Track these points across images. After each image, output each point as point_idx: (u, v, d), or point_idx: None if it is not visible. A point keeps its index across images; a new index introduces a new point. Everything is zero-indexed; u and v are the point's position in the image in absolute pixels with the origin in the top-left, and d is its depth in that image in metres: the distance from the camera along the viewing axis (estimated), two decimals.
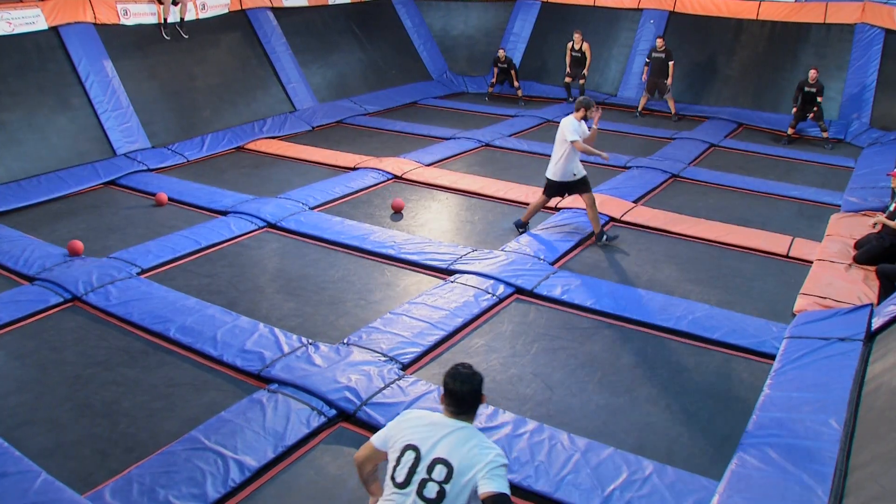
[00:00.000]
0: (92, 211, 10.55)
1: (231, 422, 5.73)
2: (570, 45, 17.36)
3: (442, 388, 3.61)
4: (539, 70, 18.79)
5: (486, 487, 3.37)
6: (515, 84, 18.03)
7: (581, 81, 17.34)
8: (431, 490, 3.43)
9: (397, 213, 10.51)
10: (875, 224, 9.02)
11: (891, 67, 15.56)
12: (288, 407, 5.93)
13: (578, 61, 17.33)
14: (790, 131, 14.91)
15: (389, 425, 3.69)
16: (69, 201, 10.89)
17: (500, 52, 18.04)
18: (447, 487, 3.42)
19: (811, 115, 14.56)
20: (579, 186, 9.45)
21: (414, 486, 3.46)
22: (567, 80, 17.62)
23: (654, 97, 16.74)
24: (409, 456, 3.51)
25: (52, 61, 12.48)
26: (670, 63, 16.15)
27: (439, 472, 3.43)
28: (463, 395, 3.55)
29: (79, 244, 8.86)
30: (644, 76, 16.72)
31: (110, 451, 5.59)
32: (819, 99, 14.46)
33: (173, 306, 7.53)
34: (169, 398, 6.24)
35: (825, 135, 14.64)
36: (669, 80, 16.22)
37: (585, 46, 17.22)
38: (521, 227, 9.89)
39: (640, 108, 16.76)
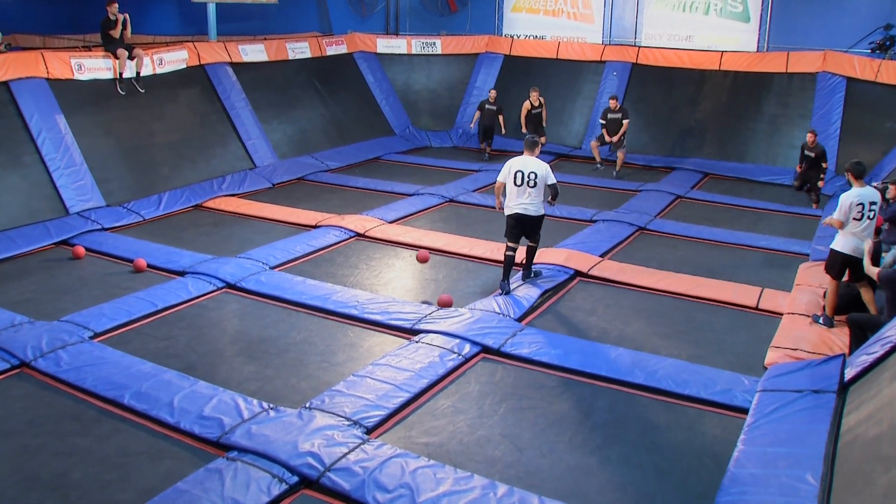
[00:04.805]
0: (43, 272, 10.41)
1: (188, 492, 5.61)
2: (526, 104, 17.07)
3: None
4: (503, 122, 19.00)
5: (551, 181, 9.30)
6: (504, 131, 17.92)
7: (542, 140, 17.42)
8: (531, 181, 9.23)
9: (423, 262, 10.90)
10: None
11: (853, 115, 16.06)
12: (248, 475, 5.83)
13: (536, 118, 17.02)
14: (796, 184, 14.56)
15: (502, 171, 9.49)
16: (20, 262, 10.74)
17: (492, 94, 17.88)
18: (538, 181, 9.24)
19: (819, 181, 14.02)
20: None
21: (524, 184, 9.25)
22: None
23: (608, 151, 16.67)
24: (519, 174, 9.27)
25: (2, 117, 12.41)
26: (625, 122, 16.10)
27: (532, 176, 9.22)
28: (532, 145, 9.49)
29: (142, 262, 10.42)
30: (605, 137, 16.45)
31: None
32: (824, 165, 13.93)
33: (128, 371, 7.41)
34: (123, 468, 6.11)
35: (814, 206, 14.23)
36: (616, 138, 16.10)
37: (543, 101, 17.16)
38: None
39: (598, 160, 16.68)
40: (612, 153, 16.75)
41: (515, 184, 9.35)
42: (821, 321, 8.67)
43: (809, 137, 13.96)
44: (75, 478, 5.99)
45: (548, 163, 9.74)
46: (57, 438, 6.52)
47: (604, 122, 16.48)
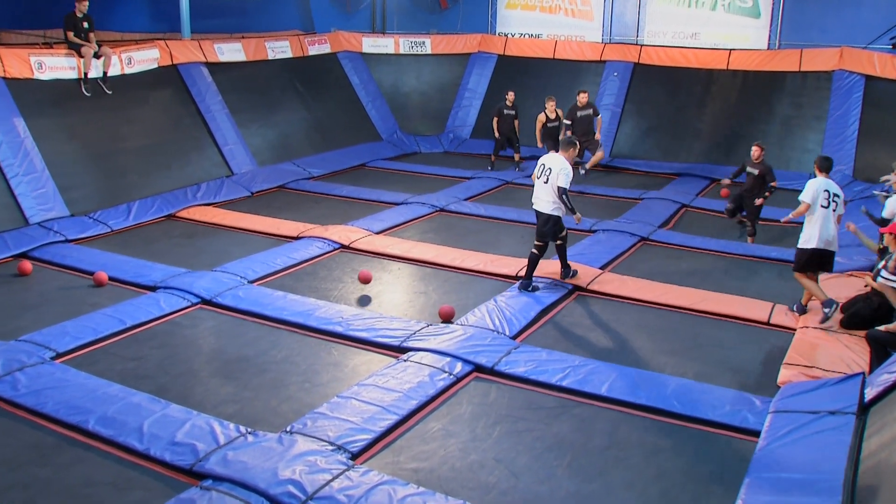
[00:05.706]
0: (0, 287, 10.36)
1: None
2: (541, 116, 16.46)
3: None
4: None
5: (559, 182, 9.75)
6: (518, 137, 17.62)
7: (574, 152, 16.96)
8: (545, 178, 9.90)
9: (365, 283, 10.51)
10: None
11: (872, 115, 16.03)
12: None
13: (553, 133, 15.99)
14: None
15: (536, 167, 10.21)
16: None
17: (510, 96, 17.37)
18: (549, 178, 9.86)
19: (759, 199, 12.35)
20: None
21: (542, 177, 9.99)
22: None
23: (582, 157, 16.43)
24: (540, 167, 10.04)
25: None
26: (597, 118, 15.98)
27: (547, 172, 9.89)
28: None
29: (103, 275, 10.34)
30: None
31: None
32: (773, 184, 12.28)
33: (93, 394, 7.35)
34: (87, 501, 6.06)
35: (750, 240, 12.64)
36: (598, 135, 16.01)
37: (560, 113, 16.48)
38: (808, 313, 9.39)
39: (580, 168, 16.33)
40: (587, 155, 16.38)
41: (537, 176, 10.19)
42: (794, 308, 9.36)
43: (755, 151, 12.59)
44: None
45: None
46: (13, 469, 6.44)
47: (570, 121, 16.14)
